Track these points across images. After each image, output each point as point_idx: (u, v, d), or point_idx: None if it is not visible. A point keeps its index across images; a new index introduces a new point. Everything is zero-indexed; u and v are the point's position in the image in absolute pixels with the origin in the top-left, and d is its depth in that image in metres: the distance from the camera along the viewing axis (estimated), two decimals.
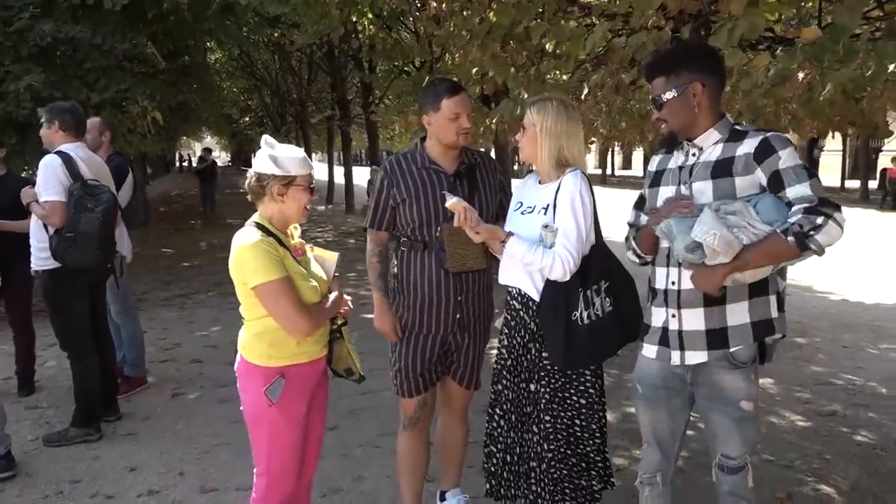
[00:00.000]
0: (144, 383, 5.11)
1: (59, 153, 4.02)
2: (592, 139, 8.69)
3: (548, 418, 2.58)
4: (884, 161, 23.43)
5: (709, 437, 2.36)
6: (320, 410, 2.63)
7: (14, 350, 5.01)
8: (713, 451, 2.34)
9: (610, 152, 41.34)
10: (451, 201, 2.50)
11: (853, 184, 25.30)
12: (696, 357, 2.26)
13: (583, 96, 4.94)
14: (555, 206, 2.54)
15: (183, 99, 15.64)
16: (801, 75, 3.00)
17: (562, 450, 2.59)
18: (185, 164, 58.49)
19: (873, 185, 22.92)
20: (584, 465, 2.64)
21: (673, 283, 2.30)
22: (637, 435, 4.08)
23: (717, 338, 2.22)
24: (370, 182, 15.34)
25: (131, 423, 4.45)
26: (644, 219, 2.46)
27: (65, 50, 8.51)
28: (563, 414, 2.59)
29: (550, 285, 2.51)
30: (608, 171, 40.61)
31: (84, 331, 4.21)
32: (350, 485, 3.59)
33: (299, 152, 2.41)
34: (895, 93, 2.93)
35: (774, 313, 2.22)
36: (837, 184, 27.16)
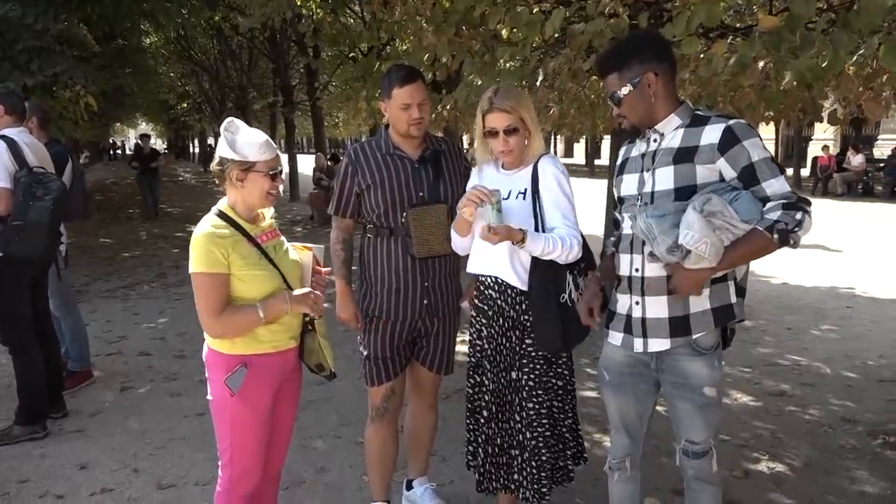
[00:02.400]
0: (90, 377, 4.92)
1: (3, 137, 3.82)
2: (543, 126, 8.75)
3: (531, 405, 2.59)
4: (814, 149, 24.31)
5: (674, 423, 2.38)
6: (289, 403, 2.57)
7: None
8: (678, 437, 2.36)
9: (552, 140, 41.78)
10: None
11: (788, 171, 26.23)
12: (659, 345, 2.27)
13: (538, 83, 4.95)
14: (535, 190, 2.54)
15: (118, 83, 15.10)
16: (760, 64, 3.05)
17: (547, 433, 2.61)
18: (119, 151, 56.55)
19: (805, 172, 23.80)
20: (560, 446, 2.68)
21: (637, 270, 2.30)
22: (594, 418, 4.17)
23: (679, 325, 2.23)
24: (315, 169, 15.14)
25: (79, 419, 4.28)
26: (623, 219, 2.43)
27: None
28: (545, 398, 2.61)
29: (539, 271, 2.51)
30: None
31: (27, 323, 4.03)
32: (313, 476, 3.53)
33: (260, 137, 2.32)
34: (851, 83, 3.00)
35: (733, 298, 2.24)
36: None
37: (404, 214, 2.74)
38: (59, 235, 4.05)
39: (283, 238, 2.50)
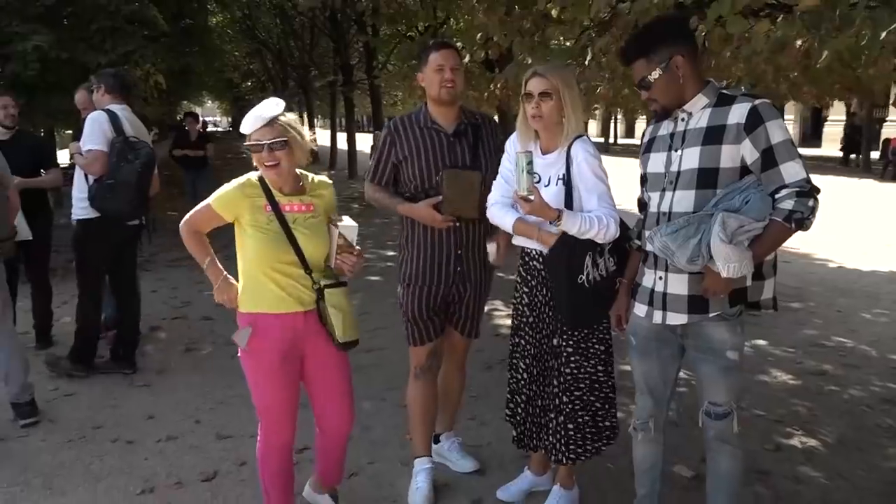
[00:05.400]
0: None
1: (106, 110, 4.34)
2: (596, 105, 8.78)
3: (568, 370, 2.72)
4: (888, 131, 23.39)
5: (698, 386, 2.51)
6: (323, 363, 2.61)
7: (31, 306, 5.15)
8: (701, 400, 2.48)
9: (613, 121, 41.18)
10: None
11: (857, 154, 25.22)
12: (677, 319, 2.39)
13: (586, 62, 5.02)
14: (568, 175, 2.62)
15: (185, 62, 15.61)
16: (798, 43, 3.08)
17: (584, 397, 2.74)
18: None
19: (875, 155, 22.92)
20: (606, 406, 2.81)
21: None
22: (620, 387, 4.26)
23: (697, 303, 2.34)
24: (373, 148, 15.41)
25: (147, 375, 4.62)
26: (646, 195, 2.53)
27: (71, 10, 8.52)
28: (585, 363, 2.73)
29: (555, 251, 2.61)
30: (611, 140, 40.45)
31: (98, 279, 4.53)
32: (359, 434, 3.74)
33: (259, 108, 2.40)
34: (888, 62, 3.00)
35: (749, 282, 2.31)
36: (839, 153, 27.11)
37: (439, 176, 2.87)
38: (147, 199, 4.45)
39: (320, 217, 2.56)
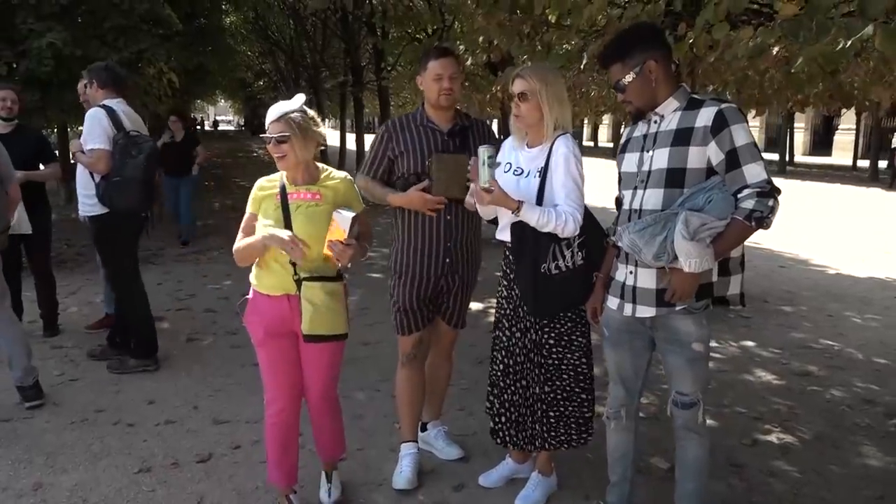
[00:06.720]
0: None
1: (103, 106, 4.38)
2: (601, 110, 8.90)
3: (551, 361, 2.84)
4: None
5: (666, 377, 2.63)
6: (308, 345, 2.71)
7: (35, 296, 5.30)
8: (670, 390, 2.60)
9: (623, 126, 41.22)
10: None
11: (867, 163, 25.19)
12: (646, 311, 2.51)
13: (582, 66, 5.14)
14: (546, 168, 2.74)
15: (199, 61, 15.81)
16: (775, 50, 3.19)
17: (568, 387, 2.86)
18: (199, 126, 58.46)
19: (883, 164, 22.88)
20: (591, 398, 2.92)
21: None
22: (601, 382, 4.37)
23: (664, 297, 2.45)
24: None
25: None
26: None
27: (86, 8, 8.71)
28: (569, 355, 2.85)
29: (519, 240, 2.74)
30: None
31: (127, 269, 4.62)
32: (350, 422, 3.85)
33: (280, 103, 2.61)
34: (858, 68, 3.11)
35: (714, 277, 2.44)
36: (850, 162, 27.10)
37: (428, 160, 3.00)
38: (153, 191, 4.56)
39: (324, 207, 2.64)
